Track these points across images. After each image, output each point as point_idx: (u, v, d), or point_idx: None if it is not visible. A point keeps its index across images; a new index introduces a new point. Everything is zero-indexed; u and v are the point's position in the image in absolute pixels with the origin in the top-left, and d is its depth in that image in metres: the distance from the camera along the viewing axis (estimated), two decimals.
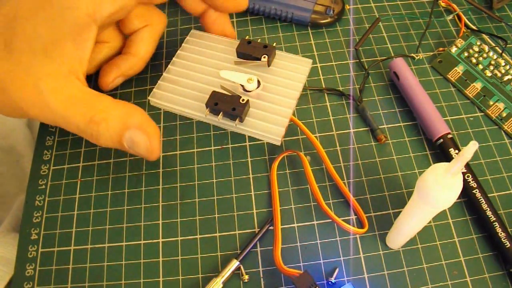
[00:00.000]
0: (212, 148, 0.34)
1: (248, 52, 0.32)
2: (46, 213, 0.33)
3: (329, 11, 0.39)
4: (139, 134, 0.27)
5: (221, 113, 0.30)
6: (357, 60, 0.37)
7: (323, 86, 0.36)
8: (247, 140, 0.34)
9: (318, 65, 0.38)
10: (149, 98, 0.32)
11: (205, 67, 0.33)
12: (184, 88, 0.32)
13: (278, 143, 0.29)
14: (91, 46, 0.27)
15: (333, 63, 0.38)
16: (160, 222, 0.32)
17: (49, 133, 0.36)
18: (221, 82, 0.31)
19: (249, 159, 0.34)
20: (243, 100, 0.29)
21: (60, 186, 0.34)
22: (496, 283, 0.28)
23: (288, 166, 0.33)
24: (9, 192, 0.44)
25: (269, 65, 0.32)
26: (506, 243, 0.28)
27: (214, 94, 0.30)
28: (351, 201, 0.31)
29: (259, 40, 0.32)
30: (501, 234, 0.28)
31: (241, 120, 0.30)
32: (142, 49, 0.33)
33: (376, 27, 0.39)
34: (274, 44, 0.32)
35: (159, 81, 0.32)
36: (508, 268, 0.28)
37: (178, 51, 0.34)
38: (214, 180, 0.33)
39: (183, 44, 0.34)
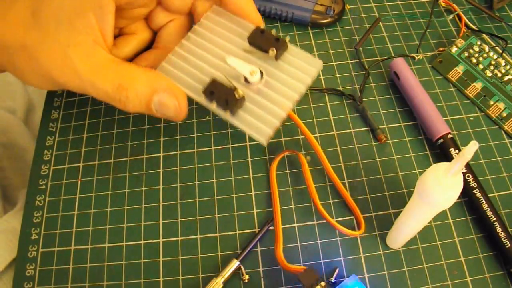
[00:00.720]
0: (212, 148, 0.34)
1: (258, 43, 0.30)
2: (46, 213, 0.33)
3: (329, 11, 0.39)
4: (167, 96, 0.28)
5: (214, 101, 0.29)
6: (357, 60, 0.37)
7: (323, 86, 0.36)
8: (247, 140, 0.34)
9: None
10: (157, 69, 0.31)
11: (216, 48, 0.32)
12: (191, 67, 0.31)
13: (264, 144, 0.28)
14: (112, 21, 0.28)
15: (333, 63, 0.38)
16: (160, 222, 0.32)
17: (49, 133, 0.37)
18: (227, 68, 0.31)
19: (249, 159, 0.34)
20: (238, 94, 0.29)
21: (60, 186, 0.34)
22: (496, 283, 0.28)
23: (288, 166, 0.33)
24: (13, 186, 0.44)
25: (277, 59, 0.30)
26: (506, 243, 0.28)
27: (212, 82, 0.29)
28: (350, 202, 0.31)
29: (273, 32, 0.31)
30: (501, 234, 0.28)
31: (233, 113, 0.29)
32: (170, 43, 0.34)
33: (376, 27, 0.39)
34: (287, 39, 0.30)
35: (169, 55, 0.31)
36: (508, 268, 0.28)
37: (195, 26, 0.33)
38: (214, 180, 0.33)
39: (201, 19, 0.33)
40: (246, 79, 0.30)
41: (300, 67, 0.30)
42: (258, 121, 0.29)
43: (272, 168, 0.32)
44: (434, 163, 0.30)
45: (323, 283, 0.25)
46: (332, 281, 0.28)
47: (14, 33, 0.28)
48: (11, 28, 0.28)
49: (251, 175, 0.33)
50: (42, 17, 0.28)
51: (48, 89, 0.31)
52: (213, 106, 0.29)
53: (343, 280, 0.27)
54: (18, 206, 0.37)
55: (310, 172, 0.32)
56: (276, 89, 0.30)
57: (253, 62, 0.31)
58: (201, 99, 0.30)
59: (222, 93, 0.29)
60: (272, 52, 0.30)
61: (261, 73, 0.30)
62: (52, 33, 0.27)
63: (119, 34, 0.35)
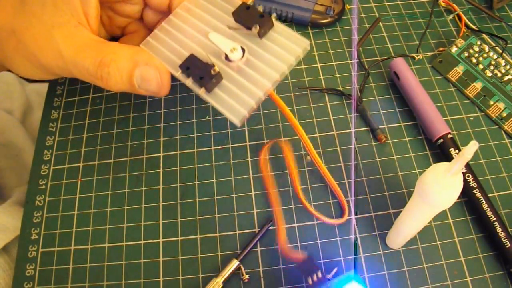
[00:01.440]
0: (212, 148, 0.34)
1: (243, 19, 0.29)
2: (46, 213, 0.33)
3: (329, 11, 0.39)
4: (149, 69, 0.28)
5: (190, 77, 0.28)
6: (357, 60, 0.37)
7: (323, 86, 0.36)
8: (247, 140, 0.34)
9: (318, 65, 0.38)
10: (141, 45, 0.31)
11: (202, 24, 0.31)
12: (174, 43, 0.30)
13: (238, 125, 0.28)
14: (95, 4, 0.29)
15: (333, 63, 0.38)
16: (160, 222, 0.32)
17: (49, 133, 0.37)
18: (210, 44, 0.30)
19: (249, 159, 0.34)
20: (214, 71, 0.28)
21: (60, 186, 0.34)
22: (496, 283, 0.28)
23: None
24: (9, 185, 0.44)
25: (260, 36, 0.29)
26: (506, 243, 0.28)
27: (190, 57, 0.29)
28: (333, 185, 0.31)
29: (260, 8, 0.29)
30: (501, 234, 0.28)
31: (208, 91, 0.28)
32: None
33: (376, 27, 0.39)
34: (273, 15, 0.29)
35: (155, 30, 0.31)
36: (508, 268, 0.28)
37: (184, 2, 0.32)
38: (214, 180, 0.33)
39: None
40: (227, 57, 0.29)
41: (284, 46, 0.29)
42: (234, 101, 0.28)
43: (261, 158, 0.32)
44: (434, 163, 0.30)
45: (319, 273, 0.25)
46: (329, 278, 0.28)
47: (4, 19, 0.28)
48: (1, 15, 0.29)
49: (251, 175, 0.33)
50: (28, 0, 0.28)
51: (36, 76, 0.31)
52: (189, 82, 0.28)
53: None
54: (8, 201, 0.37)
55: (292, 160, 0.32)
56: (256, 68, 0.28)
57: (237, 39, 0.29)
58: (178, 74, 0.29)
59: (198, 69, 0.28)
60: (255, 29, 0.28)
61: (243, 51, 0.29)
62: (37, 15, 0.28)
63: (122, 34, 0.35)
